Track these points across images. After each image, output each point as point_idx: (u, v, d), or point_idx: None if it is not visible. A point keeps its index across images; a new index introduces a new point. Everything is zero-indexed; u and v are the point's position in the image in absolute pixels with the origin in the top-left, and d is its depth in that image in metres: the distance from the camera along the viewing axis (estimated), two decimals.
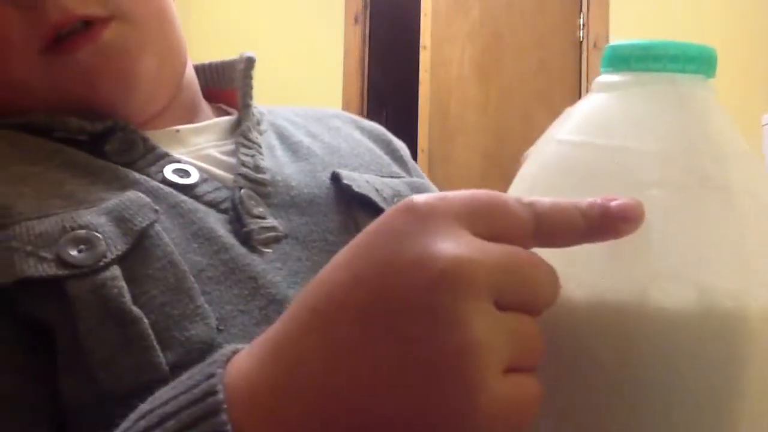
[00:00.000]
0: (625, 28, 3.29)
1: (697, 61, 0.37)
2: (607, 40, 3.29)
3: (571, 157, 0.37)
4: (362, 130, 0.77)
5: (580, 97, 3.41)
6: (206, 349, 0.49)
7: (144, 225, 0.52)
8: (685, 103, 0.37)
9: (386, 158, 0.73)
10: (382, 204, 0.64)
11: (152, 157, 0.58)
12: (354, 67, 3.54)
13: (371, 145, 0.74)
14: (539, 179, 0.38)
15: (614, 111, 0.38)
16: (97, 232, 0.51)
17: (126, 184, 0.55)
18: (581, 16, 3.36)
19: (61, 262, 0.49)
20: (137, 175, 0.56)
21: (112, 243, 0.51)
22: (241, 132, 0.64)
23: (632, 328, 0.33)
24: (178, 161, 0.59)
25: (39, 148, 0.57)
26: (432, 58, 3.39)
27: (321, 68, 3.55)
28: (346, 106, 3.45)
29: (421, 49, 3.42)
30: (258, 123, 0.67)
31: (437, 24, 3.41)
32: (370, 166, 0.70)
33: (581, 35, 3.36)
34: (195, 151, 0.62)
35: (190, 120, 0.65)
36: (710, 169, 0.35)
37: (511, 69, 3.39)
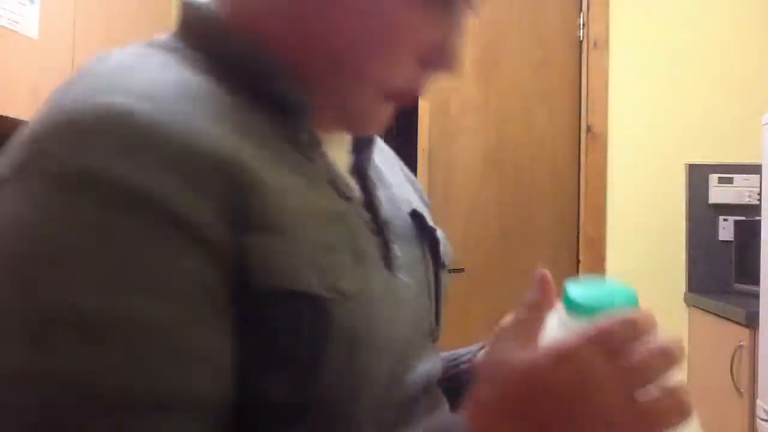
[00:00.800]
0: (625, 28, 3.29)
1: (633, 300, 0.53)
2: (607, 40, 3.29)
3: None
4: (402, 167, 0.79)
5: (580, 96, 3.35)
6: (393, 378, 0.56)
7: (367, 250, 0.56)
8: None
9: (421, 203, 0.76)
10: (441, 246, 0.70)
11: (328, 165, 0.59)
12: None
13: (409, 187, 0.77)
14: None
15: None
16: (352, 261, 0.54)
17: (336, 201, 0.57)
18: (581, 16, 3.36)
19: (332, 285, 0.51)
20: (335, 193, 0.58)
21: (359, 270, 0.54)
22: (366, 155, 0.66)
23: None
24: (342, 175, 0.60)
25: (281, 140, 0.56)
26: None
27: None
28: None
29: None
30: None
31: None
32: (414, 204, 0.72)
33: (581, 35, 3.36)
34: (339, 162, 0.62)
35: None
36: None
37: (511, 69, 3.39)
